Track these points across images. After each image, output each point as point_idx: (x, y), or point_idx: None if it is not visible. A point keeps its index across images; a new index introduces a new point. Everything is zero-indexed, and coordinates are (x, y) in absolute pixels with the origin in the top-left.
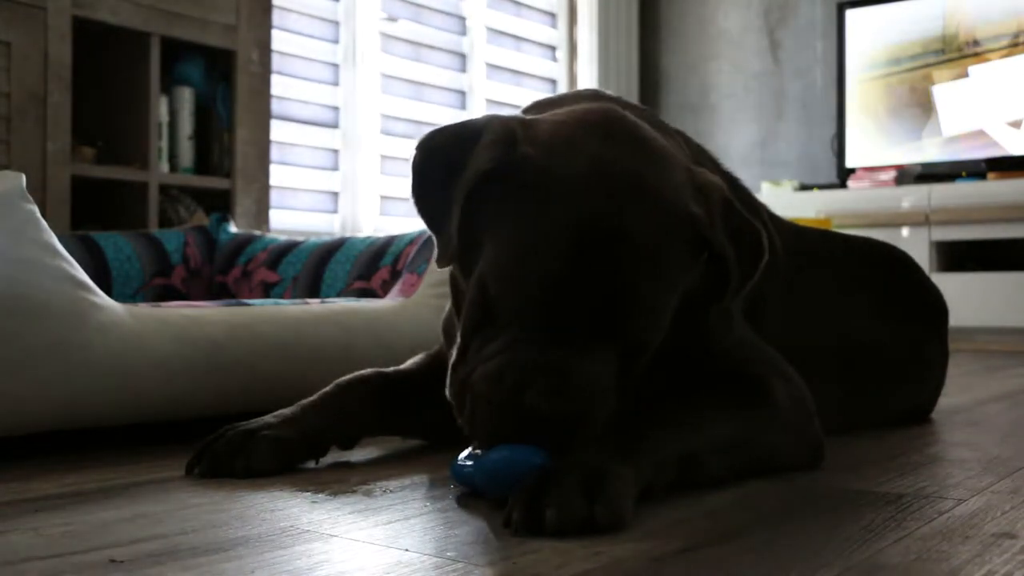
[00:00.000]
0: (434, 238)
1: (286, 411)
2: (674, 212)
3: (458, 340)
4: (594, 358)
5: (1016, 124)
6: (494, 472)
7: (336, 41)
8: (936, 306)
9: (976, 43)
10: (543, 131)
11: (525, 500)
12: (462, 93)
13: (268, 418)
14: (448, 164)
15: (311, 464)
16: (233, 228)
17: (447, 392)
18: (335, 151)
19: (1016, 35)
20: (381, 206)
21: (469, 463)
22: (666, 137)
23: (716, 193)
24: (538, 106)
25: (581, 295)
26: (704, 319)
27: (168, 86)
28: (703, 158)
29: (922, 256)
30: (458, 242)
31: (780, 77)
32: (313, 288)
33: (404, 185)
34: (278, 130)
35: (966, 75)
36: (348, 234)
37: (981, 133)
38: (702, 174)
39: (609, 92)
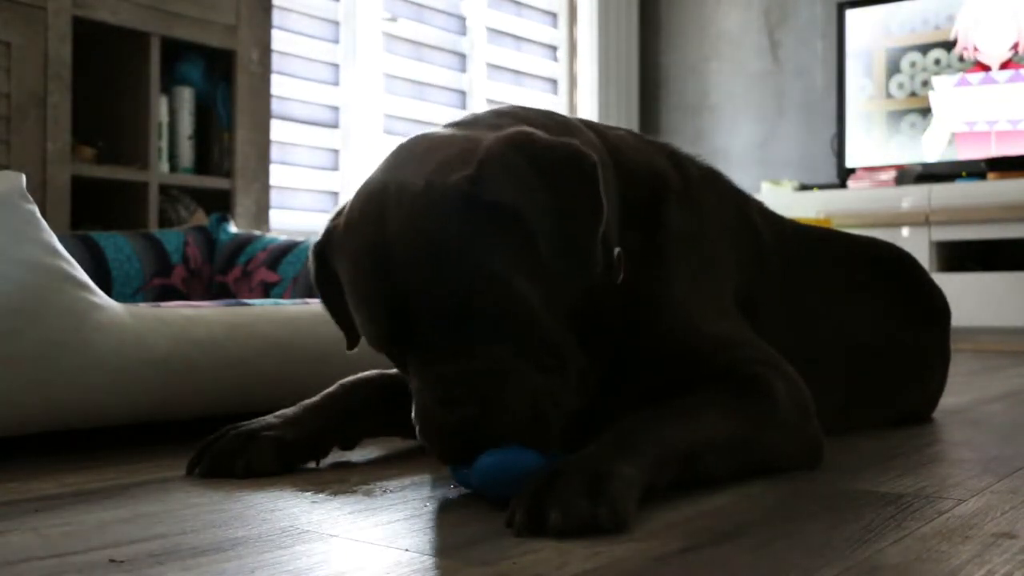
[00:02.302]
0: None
1: (287, 411)
2: (431, 191)
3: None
4: (475, 355)
5: (1016, 123)
6: (489, 474)
7: (336, 41)
8: (938, 306)
9: (976, 44)
10: (353, 197)
11: (528, 501)
12: (463, 93)
13: (269, 418)
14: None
15: (311, 464)
16: (233, 228)
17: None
18: (335, 151)
19: (1017, 34)
20: None
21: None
22: (470, 127)
23: (497, 147)
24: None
25: (412, 315)
26: (643, 291)
27: (168, 86)
28: (645, 145)
29: (922, 256)
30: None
31: (780, 77)
32: (313, 288)
33: None
34: (278, 130)
35: (966, 74)
36: None
37: (981, 133)
38: (490, 137)
39: (480, 109)
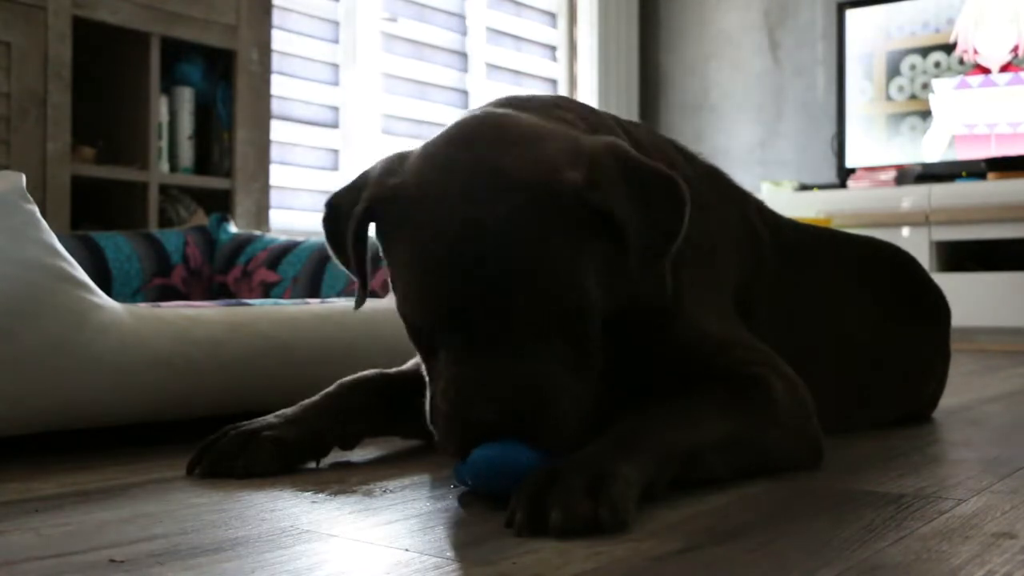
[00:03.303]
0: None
1: (287, 411)
2: (540, 186)
3: (422, 365)
4: (524, 353)
5: (1016, 126)
6: (482, 469)
7: (336, 41)
8: (939, 307)
9: (976, 47)
10: (414, 156)
11: (528, 501)
12: (463, 93)
13: (269, 418)
14: (345, 214)
15: (311, 464)
16: (233, 228)
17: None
18: (336, 151)
19: (1017, 37)
20: None
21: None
22: (560, 122)
23: (604, 155)
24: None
25: (481, 301)
26: (661, 295)
27: (168, 86)
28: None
29: (922, 256)
30: (389, 279)
31: (780, 77)
32: (313, 288)
33: None
34: (278, 130)
35: (966, 77)
36: None
37: (981, 135)
38: (591, 140)
39: (528, 94)
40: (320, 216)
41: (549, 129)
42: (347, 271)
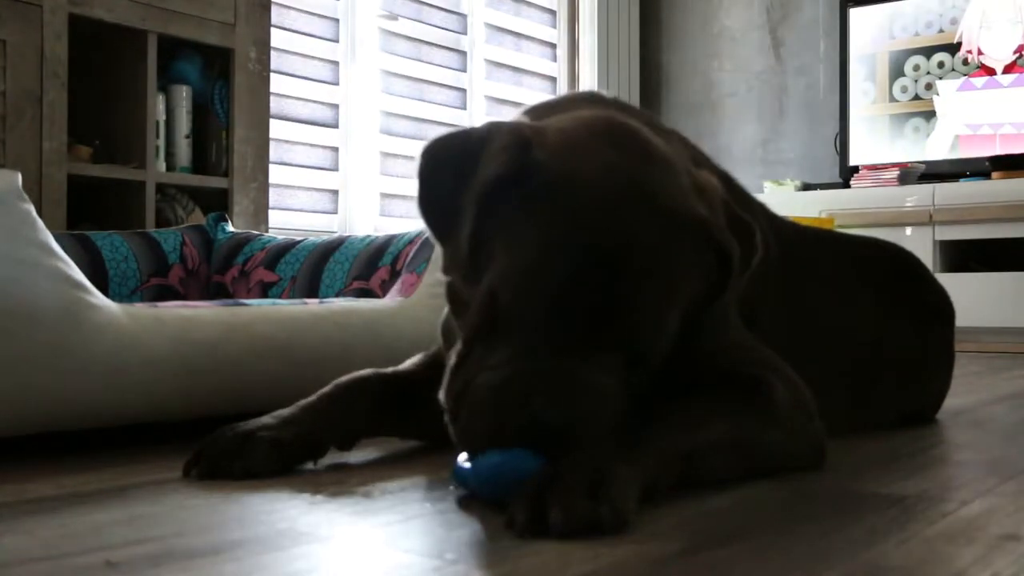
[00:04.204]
0: (439, 246)
1: (284, 412)
2: (682, 216)
3: (459, 345)
4: (602, 368)
5: (1020, 127)
6: (490, 477)
7: (336, 39)
8: (942, 308)
9: (981, 48)
10: (553, 137)
11: (528, 502)
12: (462, 91)
13: (266, 419)
14: (457, 171)
15: (309, 465)
16: (231, 227)
17: (441, 395)
18: (335, 150)
19: (1022, 37)
20: (381, 205)
21: (467, 465)
22: (665, 140)
23: (716, 193)
24: (536, 110)
25: (593, 306)
26: (704, 318)
27: (165, 84)
28: (700, 158)
29: (926, 256)
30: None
31: (782, 75)
32: (311, 288)
33: (405, 184)
34: (277, 129)
35: (970, 77)
36: (347, 234)
37: (985, 136)
38: (702, 175)
39: (605, 94)
40: (317, 216)
41: (672, 155)
42: (433, 230)
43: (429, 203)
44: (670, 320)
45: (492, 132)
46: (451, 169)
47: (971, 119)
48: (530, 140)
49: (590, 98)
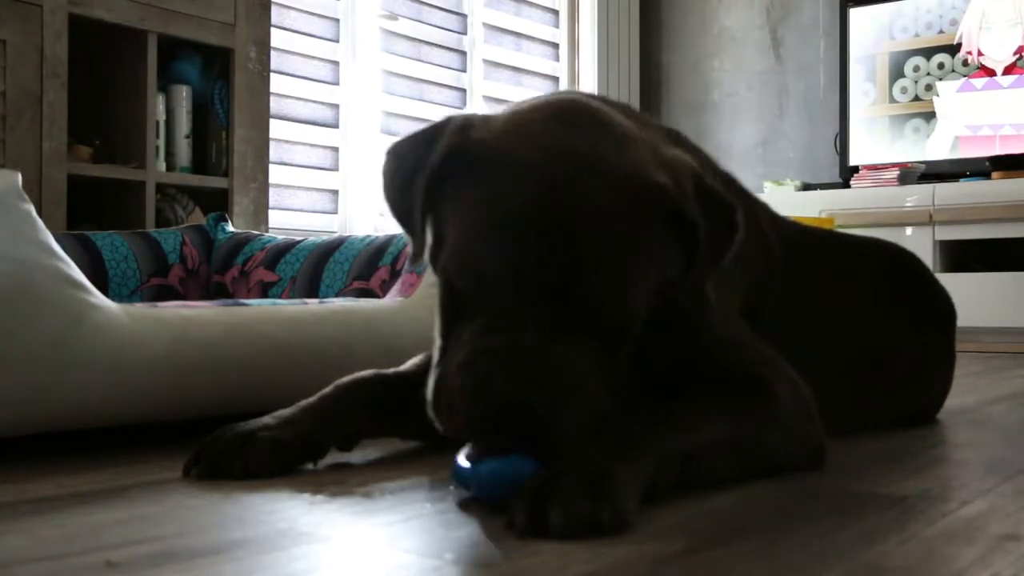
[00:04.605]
0: (408, 240)
1: (284, 412)
2: (638, 183)
3: (437, 341)
4: (567, 342)
5: (1020, 128)
6: (489, 481)
7: (336, 39)
8: (944, 308)
9: (981, 49)
10: (499, 119)
11: (528, 502)
12: (463, 91)
13: (266, 419)
14: (413, 165)
15: (309, 465)
16: (231, 227)
17: (427, 391)
18: (335, 150)
19: (1022, 38)
20: (381, 205)
21: (467, 465)
22: (643, 127)
23: (685, 167)
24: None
25: (545, 277)
26: (685, 301)
27: (165, 84)
28: (699, 156)
29: (926, 256)
30: (430, 238)
31: (782, 75)
32: (312, 288)
33: None
34: (277, 129)
35: (970, 78)
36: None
37: (985, 137)
38: (670, 151)
39: (590, 91)
40: (317, 216)
41: (637, 130)
42: (403, 227)
43: (391, 198)
44: (635, 293)
45: (446, 121)
46: (410, 162)
47: (971, 120)
48: (472, 124)
49: (572, 93)
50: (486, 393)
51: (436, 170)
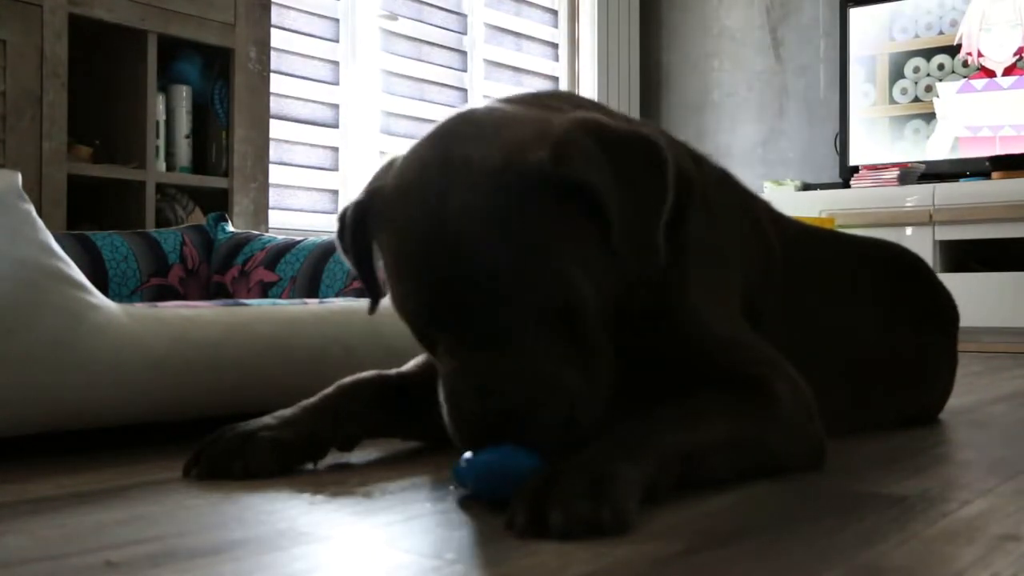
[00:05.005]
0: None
1: (285, 412)
2: (510, 173)
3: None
4: (513, 345)
5: (1020, 129)
6: (481, 473)
7: (336, 39)
8: (946, 309)
9: (981, 50)
10: (399, 159)
11: (529, 502)
12: (463, 91)
13: (267, 419)
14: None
15: (309, 466)
16: (231, 227)
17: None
18: (335, 150)
19: (1022, 39)
20: None
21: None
22: (547, 109)
23: (573, 130)
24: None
25: (457, 296)
26: (638, 267)
27: (165, 84)
28: (697, 156)
29: (926, 256)
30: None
31: (782, 75)
32: (312, 288)
33: None
34: (277, 129)
35: (970, 79)
36: None
37: (985, 138)
38: (559, 118)
39: (541, 90)
40: (317, 216)
41: (522, 116)
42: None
43: (344, 253)
44: (560, 275)
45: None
46: (344, 221)
47: (971, 121)
48: (393, 164)
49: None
50: (464, 416)
51: (353, 228)
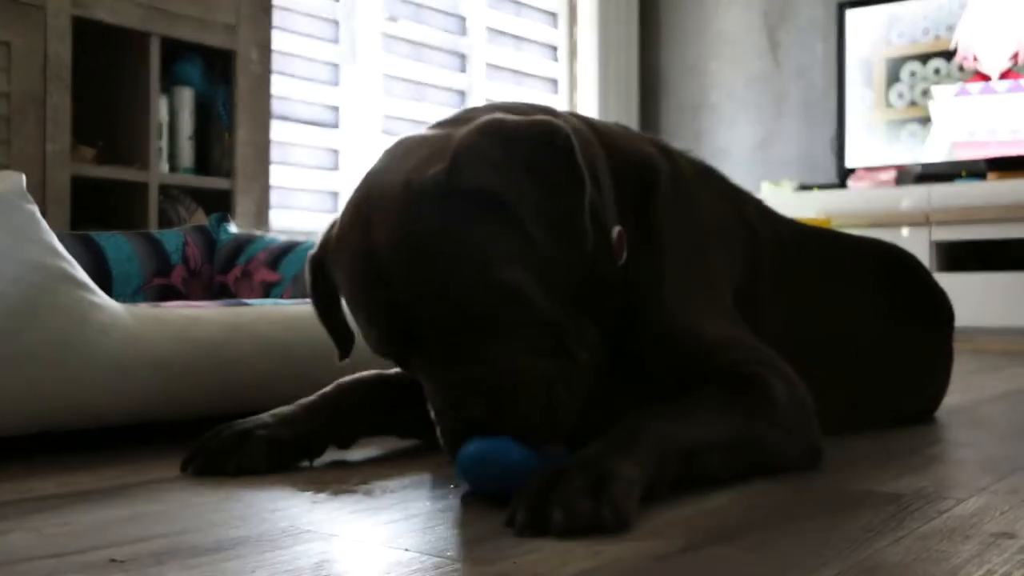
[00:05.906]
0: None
1: (284, 410)
2: (405, 194)
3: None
4: (481, 353)
5: (1016, 133)
6: (470, 465)
7: (336, 41)
8: (942, 309)
9: (976, 54)
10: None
11: (530, 501)
12: (462, 93)
13: (265, 417)
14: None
15: (306, 463)
16: (233, 228)
17: None
18: (336, 151)
19: (1017, 44)
20: None
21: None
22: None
23: (469, 136)
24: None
25: (404, 324)
26: (591, 254)
27: (168, 86)
28: (635, 137)
29: (922, 256)
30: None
31: (780, 77)
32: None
33: None
34: (278, 130)
35: (966, 84)
36: None
37: (981, 142)
38: (461, 130)
39: (506, 101)
40: (319, 216)
41: (432, 137)
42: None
43: (312, 301)
44: (473, 280)
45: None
46: (312, 267)
47: (967, 125)
48: (327, 229)
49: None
50: (448, 431)
51: (314, 283)
